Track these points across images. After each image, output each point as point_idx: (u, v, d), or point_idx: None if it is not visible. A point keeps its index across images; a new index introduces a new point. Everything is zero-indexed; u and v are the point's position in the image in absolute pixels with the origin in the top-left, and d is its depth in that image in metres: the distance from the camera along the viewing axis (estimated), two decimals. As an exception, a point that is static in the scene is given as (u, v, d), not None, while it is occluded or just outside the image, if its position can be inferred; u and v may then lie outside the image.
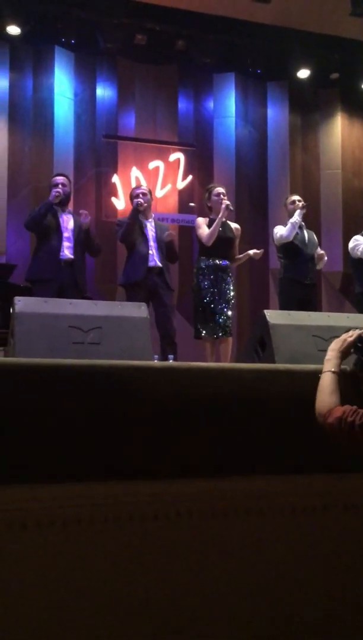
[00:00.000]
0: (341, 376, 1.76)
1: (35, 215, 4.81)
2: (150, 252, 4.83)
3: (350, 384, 1.77)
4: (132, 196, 5.07)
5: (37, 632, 1.45)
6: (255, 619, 1.66)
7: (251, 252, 5.07)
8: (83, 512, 1.58)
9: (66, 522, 1.57)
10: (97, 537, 1.58)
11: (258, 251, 5.06)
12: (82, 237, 4.89)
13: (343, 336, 1.87)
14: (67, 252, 4.79)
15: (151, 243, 4.85)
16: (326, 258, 5.44)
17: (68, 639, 1.47)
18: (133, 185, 7.66)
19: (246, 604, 1.67)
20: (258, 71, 8.33)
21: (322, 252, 5.43)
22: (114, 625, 1.49)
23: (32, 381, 1.66)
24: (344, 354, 1.83)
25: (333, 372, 1.75)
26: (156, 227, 4.99)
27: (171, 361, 4.10)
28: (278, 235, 5.32)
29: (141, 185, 5.36)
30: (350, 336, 1.86)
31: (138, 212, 4.85)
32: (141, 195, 4.96)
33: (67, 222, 4.90)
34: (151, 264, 4.80)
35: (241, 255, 5.12)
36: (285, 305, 5.07)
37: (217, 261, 4.94)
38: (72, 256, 4.79)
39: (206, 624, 1.58)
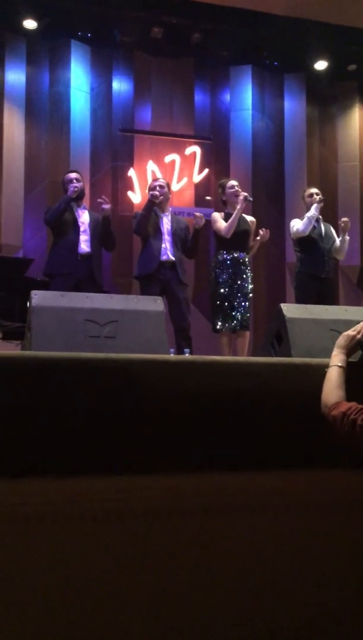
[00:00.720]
0: (347, 370, 1.77)
1: (55, 211, 4.83)
2: (163, 245, 4.81)
3: (356, 377, 1.77)
4: (150, 189, 5.06)
5: (39, 628, 1.45)
6: (274, 615, 1.65)
7: (258, 237, 5.03)
8: (99, 507, 1.58)
9: (83, 517, 1.58)
10: (115, 531, 1.58)
11: (263, 232, 5.01)
12: (99, 230, 4.89)
13: (348, 332, 1.87)
14: (84, 246, 4.80)
15: (166, 237, 4.84)
16: (347, 245, 5.31)
17: (70, 636, 1.47)
18: (149, 179, 7.66)
19: (267, 600, 1.66)
20: (275, 63, 8.28)
21: (346, 238, 5.25)
22: (117, 622, 1.49)
23: (49, 375, 1.66)
24: (351, 350, 1.84)
25: (340, 367, 1.76)
26: (173, 221, 4.97)
27: (187, 355, 4.10)
28: (294, 229, 5.28)
29: (160, 179, 5.33)
30: (355, 332, 1.86)
31: (153, 204, 4.84)
32: (157, 188, 4.94)
33: (83, 217, 4.91)
34: (163, 257, 4.79)
35: (251, 244, 5.09)
36: (301, 300, 5.04)
37: (234, 254, 4.92)
38: (89, 250, 4.80)
39: (220, 623, 1.58)
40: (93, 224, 4.89)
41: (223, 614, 1.61)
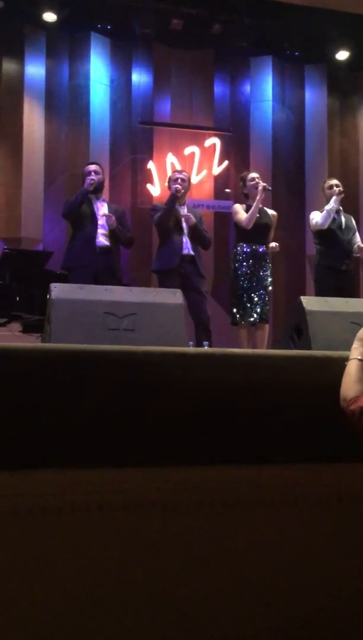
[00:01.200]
0: None
1: (72, 204, 4.81)
2: (184, 239, 4.79)
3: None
4: (171, 180, 5.02)
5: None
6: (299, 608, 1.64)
7: (271, 246, 4.96)
8: (115, 499, 1.58)
9: (101, 507, 1.58)
10: (129, 522, 1.58)
11: (273, 246, 4.96)
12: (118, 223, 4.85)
13: None
14: (102, 239, 4.77)
15: (185, 231, 4.82)
16: None
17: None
18: (169, 171, 7.63)
19: (282, 594, 1.65)
20: (296, 54, 8.19)
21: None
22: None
23: (67, 367, 1.66)
24: None
25: (360, 360, 1.73)
26: (191, 213, 4.95)
27: (206, 347, 4.09)
28: (313, 222, 5.23)
29: (183, 171, 5.27)
30: None
31: (176, 198, 4.81)
32: (179, 181, 4.90)
33: (102, 210, 4.85)
34: (184, 252, 4.77)
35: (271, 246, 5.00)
36: (321, 293, 4.98)
37: (254, 247, 4.89)
38: (107, 243, 4.77)
39: (229, 617, 1.57)
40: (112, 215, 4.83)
41: (244, 606, 1.61)
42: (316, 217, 5.21)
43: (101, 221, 4.78)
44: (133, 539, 1.55)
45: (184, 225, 4.82)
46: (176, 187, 4.81)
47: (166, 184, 5.16)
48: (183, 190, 4.86)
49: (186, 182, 4.99)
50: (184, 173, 5.13)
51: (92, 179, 4.80)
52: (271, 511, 1.71)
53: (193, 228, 4.80)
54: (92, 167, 4.99)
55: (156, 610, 1.54)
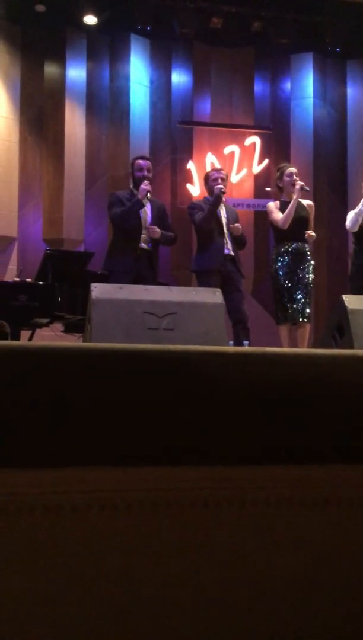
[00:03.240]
0: None
1: (125, 214, 4.58)
2: (225, 240, 4.76)
3: None
4: (210, 179, 4.91)
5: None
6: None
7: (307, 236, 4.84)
8: (157, 497, 1.58)
9: (141, 505, 1.58)
10: (167, 521, 1.58)
11: (309, 234, 4.82)
12: (158, 223, 4.78)
13: None
14: (144, 244, 4.70)
15: (225, 231, 4.78)
16: None
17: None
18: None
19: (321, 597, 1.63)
20: (337, 50, 8.07)
21: None
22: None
23: (108, 366, 1.67)
24: None
25: None
26: (228, 213, 4.90)
27: (246, 346, 4.07)
28: (347, 223, 5.15)
29: (221, 170, 5.18)
30: None
31: (221, 199, 4.75)
32: (220, 180, 4.83)
33: (147, 212, 4.74)
34: (226, 252, 4.74)
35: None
36: (354, 292, 4.87)
37: (294, 244, 4.82)
38: (149, 247, 4.71)
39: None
40: (155, 216, 4.77)
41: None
42: (348, 218, 5.15)
43: (145, 224, 4.67)
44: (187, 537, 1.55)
45: (224, 224, 4.79)
46: (220, 187, 4.73)
47: (204, 183, 5.07)
48: (225, 191, 4.81)
49: (225, 180, 4.94)
50: (222, 172, 5.05)
51: (148, 190, 4.59)
52: (310, 511, 1.69)
53: (158, 240, 4.63)
54: (144, 163, 4.75)
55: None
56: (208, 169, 7.56)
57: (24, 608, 1.46)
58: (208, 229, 4.75)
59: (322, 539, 1.68)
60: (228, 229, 4.78)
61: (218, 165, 7.53)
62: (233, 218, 4.85)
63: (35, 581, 1.47)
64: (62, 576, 1.47)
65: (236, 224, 4.79)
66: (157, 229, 4.62)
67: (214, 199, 4.75)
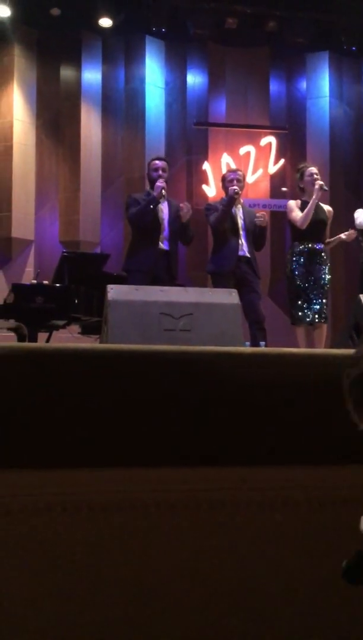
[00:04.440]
0: None
1: (140, 213, 4.61)
2: (240, 241, 4.74)
3: None
4: (226, 180, 4.91)
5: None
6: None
7: (343, 235, 4.87)
8: (175, 497, 1.59)
9: (157, 505, 1.58)
10: (182, 521, 1.58)
11: (350, 232, 4.85)
12: (177, 227, 4.78)
13: None
14: (162, 244, 4.71)
15: (241, 232, 4.76)
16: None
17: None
18: (224, 171, 7.59)
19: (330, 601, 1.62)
20: (353, 48, 8.01)
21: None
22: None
23: (124, 367, 1.67)
24: None
25: None
26: (245, 214, 4.88)
27: (262, 347, 4.05)
28: (357, 221, 5.11)
29: (237, 170, 5.16)
30: None
31: (234, 200, 4.74)
32: (235, 182, 4.81)
33: (165, 212, 4.76)
34: (240, 253, 4.72)
35: (332, 239, 4.93)
36: None
37: (311, 245, 4.80)
38: (167, 248, 4.72)
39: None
40: (173, 216, 4.77)
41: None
42: (360, 217, 5.11)
43: (164, 224, 4.66)
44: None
45: (239, 226, 4.77)
46: (234, 189, 4.72)
47: (221, 184, 5.07)
48: (240, 192, 4.80)
49: (242, 181, 4.92)
50: (239, 172, 5.03)
51: (163, 187, 4.61)
52: (329, 511, 1.68)
53: (184, 225, 4.71)
54: (160, 163, 4.80)
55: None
56: (224, 169, 7.55)
57: (33, 605, 1.46)
58: (222, 230, 4.74)
59: (339, 538, 1.67)
60: (244, 229, 4.76)
61: (233, 166, 7.52)
62: (249, 219, 4.84)
63: (42, 580, 1.48)
64: (67, 576, 1.48)
65: (261, 214, 4.82)
66: (189, 206, 4.69)
67: (228, 199, 4.74)
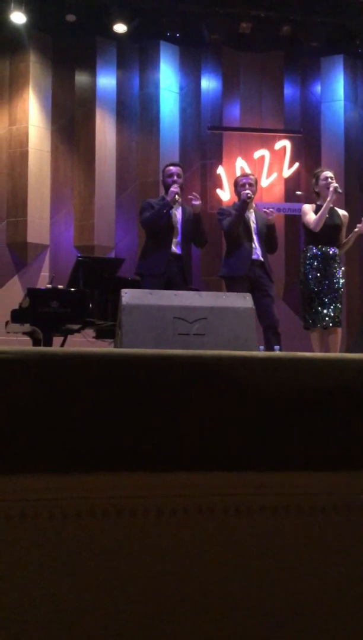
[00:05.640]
0: None
1: (154, 217, 4.63)
2: (253, 245, 4.73)
3: None
4: (238, 184, 4.91)
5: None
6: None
7: (356, 229, 4.81)
8: (186, 502, 1.58)
9: (175, 510, 1.58)
10: (191, 527, 1.57)
11: (361, 225, 4.78)
12: (190, 228, 4.78)
13: None
14: (175, 248, 4.72)
15: (254, 236, 4.75)
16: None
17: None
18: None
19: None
20: (368, 51, 8.01)
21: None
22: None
23: (137, 372, 1.67)
24: None
25: None
26: (257, 217, 4.87)
27: (277, 351, 4.03)
28: None
29: (249, 175, 5.15)
30: None
31: (247, 205, 4.73)
32: (247, 186, 4.81)
33: (178, 217, 4.78)
34: (253, 257, 4.71)
35: (347, 238, 4.88)
36: None
37: (325, 249, 4.77)
38: (180, 252, 4.72)
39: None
40: (185, 221, 4.78)
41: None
42: None
43: (177, 229, 4.67)
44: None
45: (252, 229, 4.76)
46: (247, 193, 4.72)
47: (234, 188, 5.06)
48: (253, 196, 4.79)
49: (254, 185, 4.91)
50: (251, 177, 5.02)
51: (177, 192, 4.62)
52: (343, 517, 1.66)
53: (197, 220, 4.75)
54: (175, 169, 4.81)
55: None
56: (238, 173, 7.55)
57: (40, 612, 1.46)
58: (236, 234, 4.73)
59: (353, 546, 1.65)
60: (256, 233, 4.75)
61: (248, 170, 7.51)
62: (261, 222, 4.82)
63: (53, 586, 1.48)
64: (78, 581, 1.48)
65: (270, 209, 4.83)
66: (198, 198, 4.73)
67: (241, 204, 4.73)
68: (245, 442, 1.67)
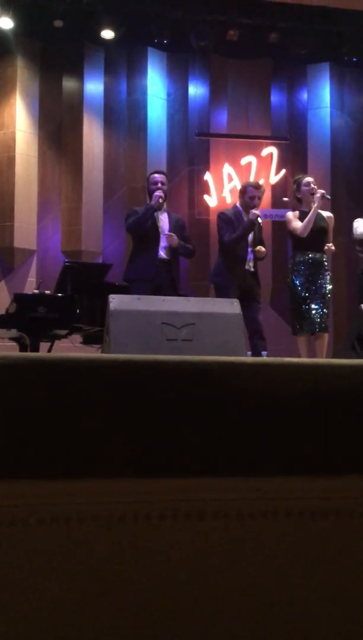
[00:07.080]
0: None
1: (138, 221, 4.69)
2: (248, 257, 4.76)
3: None
4: (246, 194, 4.75)
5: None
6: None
7: (326, 248, 4.79)
8: (178, 507, 1.58)
9: (172, 515, 1.58)
10: (195, 533, 1.57)
11: (329, 246, 4.77)
12: (178, 234, 4.80)
13: None
14: (163, 253, 4.75)
15: (248, 248, 4.78)
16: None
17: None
18: (225, 182, 7.64)
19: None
20: (355, 60, 8.07)
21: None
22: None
23: (125, 378, 1.67)
24: None
25: None
26: (255, 229, 4.90)
27: (264, 357, 4.05)
28: (358, 230, 5.10)
29: (260, 187, 4.98)
30: None
31: (255, 225, 4.74)
32: (257, 200, 4.76)
33: (164, 222, 4.82)
34: (245, 267, 4.73)
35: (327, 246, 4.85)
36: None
37: (312, 254, 4.79)
38: (168, 257, 4.74)
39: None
40: (173, 228, 4.81)
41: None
42: (360, 227, 5.11)
43: (164, 242, 4.73)
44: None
45: (249, 241, 4.75)
46: (257, 214, 4.66)
47: (240, 195, 4.88)
48: (260, 214, 4.83)
49: (261, 200, 4.89)
50: (262, 190, 4.91)
51: (160, 196, 4.69)
52: (342, 521, 1.67)
53: (177, 249, 4.70)
54: (159, 177, 4.89)
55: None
56: (225, 180, 7.59)
57: (29, 619, 1.46)
58: (235, 247, 4.74)
59: (353, 550, 1.66)
60: (249, 245, 4.77)
61: (235, 177, 7.54)
62: (258, 233, 4.85)
63: (42, 592, 1.47)
64: (91, 587, 1.47)
65: (261, 248, 4.75)
66: (175, 237, 4.69)
67: (249, 224, 4.68)
68: (235, 447, 1.67)
